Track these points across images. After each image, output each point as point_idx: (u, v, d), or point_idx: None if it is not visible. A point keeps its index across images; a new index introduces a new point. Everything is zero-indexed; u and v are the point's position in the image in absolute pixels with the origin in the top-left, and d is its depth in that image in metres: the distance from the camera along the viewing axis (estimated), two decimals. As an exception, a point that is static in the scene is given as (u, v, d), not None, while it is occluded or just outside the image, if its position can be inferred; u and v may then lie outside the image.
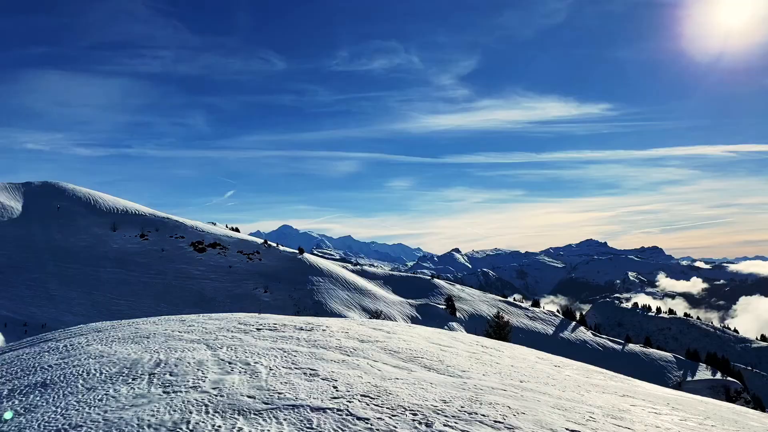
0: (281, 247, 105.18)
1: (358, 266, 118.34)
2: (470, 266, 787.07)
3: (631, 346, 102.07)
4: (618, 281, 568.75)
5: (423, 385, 7.25)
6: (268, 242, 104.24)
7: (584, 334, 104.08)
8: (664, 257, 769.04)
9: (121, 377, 7.25)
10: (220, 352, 8.80)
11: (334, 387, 6.75)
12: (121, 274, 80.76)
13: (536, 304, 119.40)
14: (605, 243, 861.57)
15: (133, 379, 7.10)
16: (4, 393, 7.16)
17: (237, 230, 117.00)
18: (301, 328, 11.74)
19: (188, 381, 6.92)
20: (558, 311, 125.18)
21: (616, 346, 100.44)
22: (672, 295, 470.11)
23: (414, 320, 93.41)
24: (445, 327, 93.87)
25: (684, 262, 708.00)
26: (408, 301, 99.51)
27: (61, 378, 7.46)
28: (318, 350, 9.24)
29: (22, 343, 11.80)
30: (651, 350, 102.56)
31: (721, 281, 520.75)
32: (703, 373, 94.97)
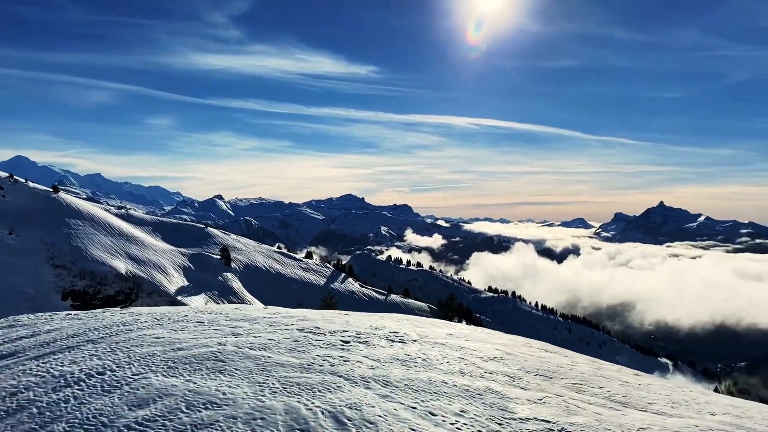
0: (31, 184, 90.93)
1: (123, 210, 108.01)
2: (233, 214, 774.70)
3: (392, 296, 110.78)
4: (371, 234, 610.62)
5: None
6: (15, 177, 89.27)
7: (353, 285, 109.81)
8: (412, 215, 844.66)
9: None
10: (385, 392, 7.04)
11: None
12: None
13: (310, 255, 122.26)
14: (363, 198, 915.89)
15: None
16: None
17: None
18: (390, 339, 10.19)
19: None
20: (327, 263, 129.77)
21: (380, 297, 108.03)
22: (418, 249, 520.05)
23: (186, 270, 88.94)
24: (220, 278, 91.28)
25: (428, 220, 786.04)
26: (180, 249, 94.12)
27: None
28: (487, 382, 7.97)
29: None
30: (409, 300, 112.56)
31: (457, 238, 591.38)
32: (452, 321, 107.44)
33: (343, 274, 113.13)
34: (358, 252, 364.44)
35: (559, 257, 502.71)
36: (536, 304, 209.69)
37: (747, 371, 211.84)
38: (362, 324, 12.15)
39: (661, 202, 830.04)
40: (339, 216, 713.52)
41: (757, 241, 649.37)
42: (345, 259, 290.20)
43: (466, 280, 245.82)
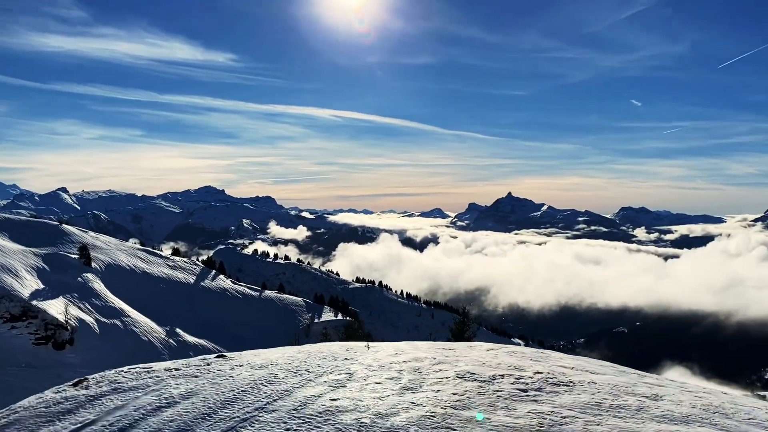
0: None
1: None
2: (79, 208, 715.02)
3: (267, 292, 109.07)
4: (233, 228, 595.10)
5: None
6: None
7: (224, 282, 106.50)
8: (276, 207, 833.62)
9: None
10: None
11: None
12: None
13: (177, 252, 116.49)
14: (223, 190, 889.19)
15: None
16: None
17: None
18: (550, 381, 9.33)
19: None
20: (191, 259, 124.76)
21: (254, 293, 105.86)
22: (284, 242, 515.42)
23: (41, 272, 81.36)
24: (80, 279, 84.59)
25: (293, 212, 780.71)
26: (32, 249, 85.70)
27: None
28: (703, 428, 7.44)
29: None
30: (284, 296, 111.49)
31: (323, 230, 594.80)
32: (328, 314, 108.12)
33: (214, 272, 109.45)
34: (221, 246, 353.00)
35: (420, 246, 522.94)
36: (401, 292, 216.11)
37: (587, 347, 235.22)
38: (497, 363, 11.05)
39: (509, 193, 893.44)
40: (197, 209, 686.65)
41: (593, 227, 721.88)
42: (206, 254, 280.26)
43: (334, 272, 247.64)
